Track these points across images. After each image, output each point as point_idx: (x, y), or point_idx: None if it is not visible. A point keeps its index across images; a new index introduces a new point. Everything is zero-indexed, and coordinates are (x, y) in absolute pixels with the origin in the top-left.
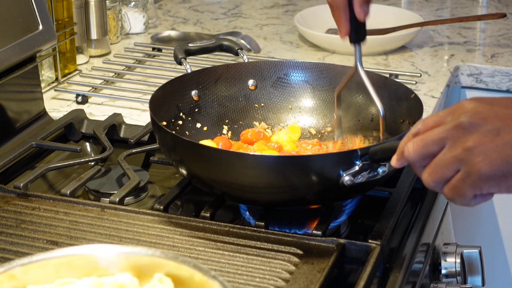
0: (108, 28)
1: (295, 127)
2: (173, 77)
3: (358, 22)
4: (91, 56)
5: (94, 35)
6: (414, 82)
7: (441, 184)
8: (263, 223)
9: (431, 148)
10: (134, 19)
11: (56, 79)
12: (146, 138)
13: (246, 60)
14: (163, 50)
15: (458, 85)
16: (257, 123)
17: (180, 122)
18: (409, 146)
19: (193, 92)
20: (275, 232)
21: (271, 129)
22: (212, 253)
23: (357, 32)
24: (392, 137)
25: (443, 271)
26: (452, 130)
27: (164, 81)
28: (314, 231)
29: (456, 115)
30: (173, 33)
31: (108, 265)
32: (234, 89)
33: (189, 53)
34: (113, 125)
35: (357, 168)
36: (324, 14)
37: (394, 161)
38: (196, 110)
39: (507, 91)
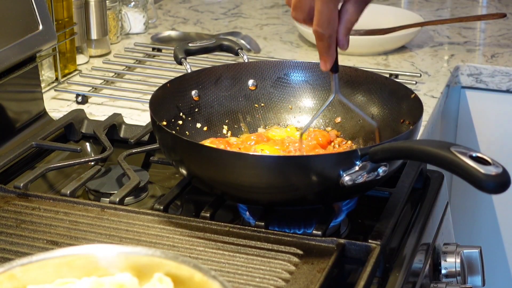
0: (108, 28)
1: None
2: (173, 77)
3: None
4: (91, 56)
5: (94, 35)
6: (414, 82)
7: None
8: (263, 223)
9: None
10: (134, 19)
11: (56, 79)
12: (146, 138)
13: (246, 60)
14: (163, 50)
15: (458, 85)
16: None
17: (180, 122)
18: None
19: (193, 92)
20: (275, 232)
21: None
22: (212, 253)
23: (336, 61)
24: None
25: (443, 271)
26: None
27: (164, 81)
28: (314, 231)
29: None
30: (173, 33)
31: (108, 265)
32: (234, 89)
33: (189, 53)
34: (113, 125)
35: (357, 168)
36: None
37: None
38: (196, 110)
39: (507, 91)
